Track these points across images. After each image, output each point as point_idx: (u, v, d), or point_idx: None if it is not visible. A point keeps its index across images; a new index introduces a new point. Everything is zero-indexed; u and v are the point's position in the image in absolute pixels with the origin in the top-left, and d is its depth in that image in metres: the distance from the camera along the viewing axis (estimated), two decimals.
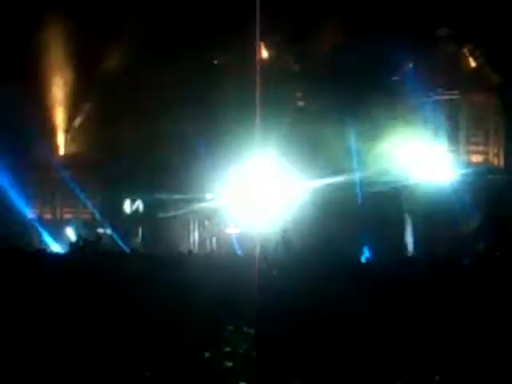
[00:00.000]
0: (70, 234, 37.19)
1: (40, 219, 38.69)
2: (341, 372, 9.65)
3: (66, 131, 39.41)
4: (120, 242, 35.77)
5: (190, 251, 32.82)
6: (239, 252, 34.17)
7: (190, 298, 12.92)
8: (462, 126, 36.53)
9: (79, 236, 26.74)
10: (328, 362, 9.79)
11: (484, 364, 9.77)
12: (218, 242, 38.29)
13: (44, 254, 19.30)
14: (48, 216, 39.05)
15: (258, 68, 39.98)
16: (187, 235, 38.77)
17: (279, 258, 21.78)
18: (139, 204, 39.33)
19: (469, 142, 36.62)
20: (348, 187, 34.23)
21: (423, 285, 14.93)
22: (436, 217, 32.13)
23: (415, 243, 31.02)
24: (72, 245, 27.11)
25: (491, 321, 11.92)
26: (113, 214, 38.45)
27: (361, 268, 17.64)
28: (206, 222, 39.15)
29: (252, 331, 11.74)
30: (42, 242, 35.71)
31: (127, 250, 33.35)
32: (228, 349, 11.28)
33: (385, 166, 35.07)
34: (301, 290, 12.99)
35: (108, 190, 38.41)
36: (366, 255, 25.76)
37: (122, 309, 12.39)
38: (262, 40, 40.42)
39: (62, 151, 39.85)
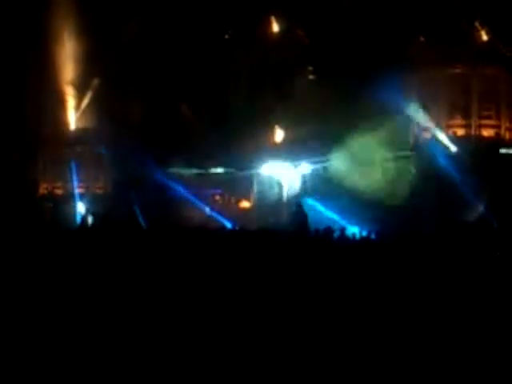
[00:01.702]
0: (82, 208, 37.36)
1: (51, 194, 38.92)
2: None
3: (78, 106, 39.50)
4: (132, 216, 35.82)
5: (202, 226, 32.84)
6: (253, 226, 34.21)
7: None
8: (473, 100, 36.37)
9: (87, 211, 26.80)
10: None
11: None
12: (229, 216, 38.30)
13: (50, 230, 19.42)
14: (59, 191, 39.27)
15: (269, 42, 40.00)
16: (199, 209, 38.83)
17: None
18: (151, 178, 39.42)
19: (480, 116, 36.48)
20: (360, 161, 34.10)
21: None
22: (447, 190, 32.03)
23: (427, 215, 30.90)
24: (82, 219, 27.17)
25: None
26: (126, 188, 38.52)
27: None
28: (217, 197, 39.26)
29: None
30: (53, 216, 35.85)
31: (141, 224, 33.34)
32: None
33: (397, 140, 35.04)
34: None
35: (121, 165, 38.46)
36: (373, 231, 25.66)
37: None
38: (272, 14, 40.37)
39: (73, 126, 39.96)
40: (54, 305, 10.27)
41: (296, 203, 26.70)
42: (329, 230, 19.47)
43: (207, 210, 37.93)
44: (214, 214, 37.00)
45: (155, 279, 12.05)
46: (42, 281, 11.95)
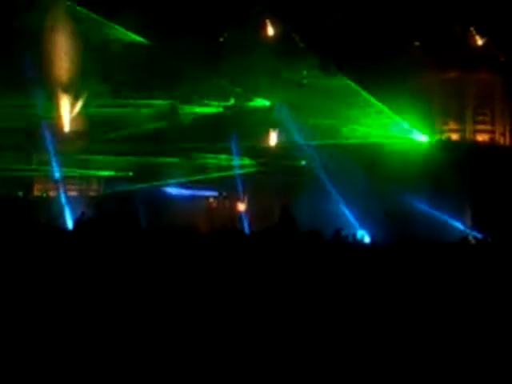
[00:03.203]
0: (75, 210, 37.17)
1: (45, 196, 38.78)
2: None
3: (72, 108, 39.40)
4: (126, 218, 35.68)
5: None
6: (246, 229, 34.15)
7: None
8: (468, 105, 36.47)
9: (82, 213, 26.73)
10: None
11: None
12: (224, 218, 38.21)
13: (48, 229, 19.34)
14: (53, 193, 39.09)
15: (265, 45, 40.04)
16: (195, 212, 38.72)
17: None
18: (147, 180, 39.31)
19: (475, 121, 36.60)
20: (349, 166, 34.12)
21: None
22: (440, 195, 32.06)
23: (418, 222, 30.91)
24: (76, 221, 27.04)
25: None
26: (121, 190, 38.40)
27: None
28: (211, 200, 39.22)
29: None
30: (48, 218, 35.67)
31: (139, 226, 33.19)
32: None
33: (390, 145, 35.11)
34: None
35: (116, 167, 38.39)
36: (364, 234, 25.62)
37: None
38: (268, 17, 40.41)
39: (67, 128, 39.82)
40: (52, 308, 10.22)
41: (281, 207, 26.35)
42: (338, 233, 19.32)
43: None
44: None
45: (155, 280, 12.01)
46: (37, 284, 11.90)
